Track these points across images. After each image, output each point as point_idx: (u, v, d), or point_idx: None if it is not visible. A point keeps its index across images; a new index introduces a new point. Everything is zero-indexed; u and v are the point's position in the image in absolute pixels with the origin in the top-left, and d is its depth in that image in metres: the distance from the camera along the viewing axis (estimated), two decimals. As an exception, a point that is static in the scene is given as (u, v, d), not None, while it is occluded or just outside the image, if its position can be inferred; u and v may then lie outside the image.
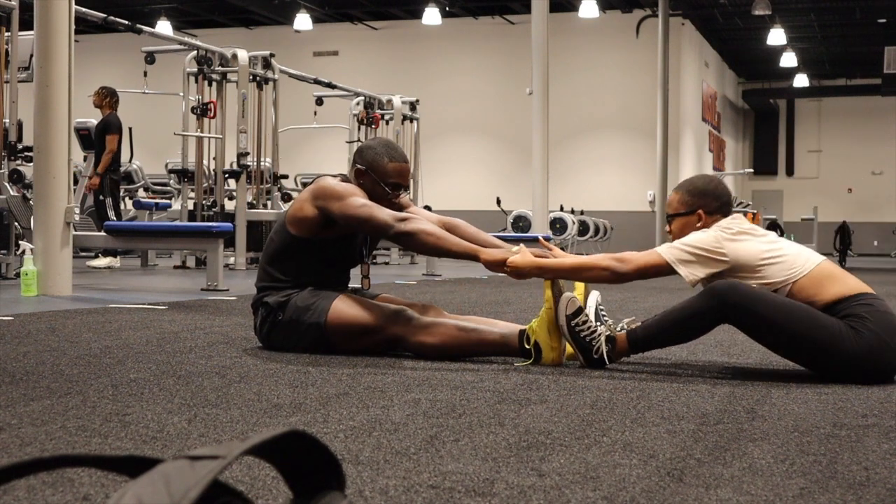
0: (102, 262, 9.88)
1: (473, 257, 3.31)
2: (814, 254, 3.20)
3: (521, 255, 3.31)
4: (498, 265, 3.32)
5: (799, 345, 3.03)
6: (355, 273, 3.78)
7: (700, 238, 3.15)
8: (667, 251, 3.15)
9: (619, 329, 3.27)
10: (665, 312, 3.20)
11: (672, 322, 3.15)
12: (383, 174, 3.51)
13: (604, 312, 3.37)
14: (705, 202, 3.26)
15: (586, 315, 3.27)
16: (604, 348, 3.22)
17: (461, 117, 21.69)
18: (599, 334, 3.24)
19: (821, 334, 2.98)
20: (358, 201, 3.39)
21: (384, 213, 3.37)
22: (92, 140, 10.63)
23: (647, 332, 3.19)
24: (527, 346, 3.33)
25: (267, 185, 11.59)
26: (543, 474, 1.78)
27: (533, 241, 15.74)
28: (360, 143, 3.60)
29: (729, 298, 3.02)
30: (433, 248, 3.35)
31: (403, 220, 3.36)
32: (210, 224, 7.93)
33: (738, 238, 3.14)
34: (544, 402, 2.56)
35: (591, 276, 3.24)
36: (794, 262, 3.11)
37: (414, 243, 3.37)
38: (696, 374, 3.16)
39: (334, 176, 3.59)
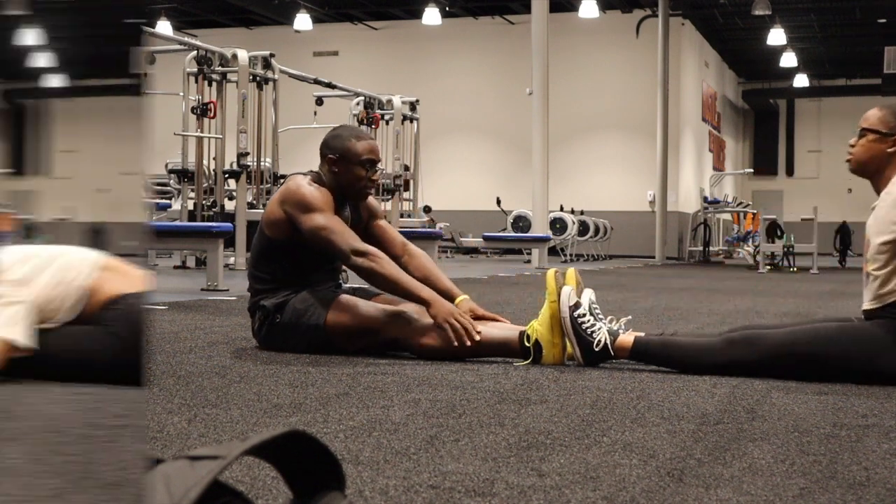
0: (102, 262, 9.86)
1: (426, 304, 3.39)
2: None
3: (463, 304, 3.52)
4: (443, 318, 3.38)
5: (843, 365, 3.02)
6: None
7: None
8: None
9: (617, 327, 3.27)
10: (694, 342, 3.22)
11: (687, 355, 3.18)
12: (355, 155, 3.57)
13: (597, 310, 3.36)
14: None
15: (584, 310, 3.26)
16: (607, 339, 3.22)
17: (461, 117, 21.67)
18: (600, 328, 3.24)
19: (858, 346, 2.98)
20: (321, 220, 3.44)
21: (343, 243, 3.43)
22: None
23: (654, 347, 3.21)
24: (527, 345, 3.33)
25: (267, 185, 11.58)
26: (543, 474, 1.78)
27: (534, 241, 15.49)
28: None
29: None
30: (387, 286, 3.43)
31: (362, 254, 3.42)
32: (210, 224, 7.93)
33: None
34: (544, 402, 2.56)
35: None
36: None
37: (368, 279, 3.46)
38: (696, 374, 3.16)
39: (305, 174, 3.60)
